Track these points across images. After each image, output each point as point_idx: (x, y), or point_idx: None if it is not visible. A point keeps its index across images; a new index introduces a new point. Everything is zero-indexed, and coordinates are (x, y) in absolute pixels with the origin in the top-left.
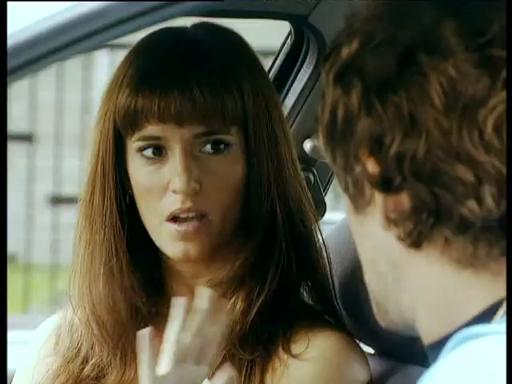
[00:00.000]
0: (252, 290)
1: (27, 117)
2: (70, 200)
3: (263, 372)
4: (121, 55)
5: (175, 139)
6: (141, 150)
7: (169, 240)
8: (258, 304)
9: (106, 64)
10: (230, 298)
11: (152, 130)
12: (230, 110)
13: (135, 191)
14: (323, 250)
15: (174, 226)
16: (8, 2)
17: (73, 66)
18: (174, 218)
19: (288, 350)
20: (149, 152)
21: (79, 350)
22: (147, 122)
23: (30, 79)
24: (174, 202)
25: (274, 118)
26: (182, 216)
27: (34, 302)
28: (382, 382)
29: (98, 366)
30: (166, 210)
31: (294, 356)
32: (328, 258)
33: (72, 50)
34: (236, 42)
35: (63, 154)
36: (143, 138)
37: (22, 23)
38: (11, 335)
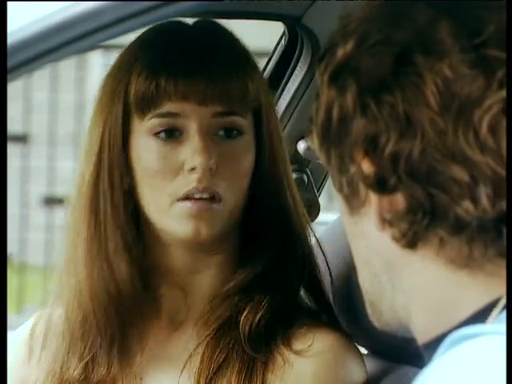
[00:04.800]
0: (273, 296)
1: (21, 117)
2: (65, 201)
3: (265, 370)
4: (115, 56)
5: (194, 118)
6: (155, 132)
7: (180, 219)
8: (272, 309)
9: (100, 65)
10: (247, 304)
11: (171, 107)
12: (250, 93)
13: (142, 174)
14: (315, 250)
15: (187, 204)
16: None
17: (67, 66)
18: (187, 198)
19: (289, 346)
20: (163, 134)
21: (64, 348)
22: (168, 100)
23: (25, 80)
24: (189, 182)
25: (275, 113)
26: (196, 196)
27: (29, 303)
28: (376, 383)
29: (84, 363)
30: (179, 190)
31: (296, 352)
32: (325, 257)
33: (67, 50)
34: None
35: (57, 154)
36: (160, 115)
37: (18, 24)
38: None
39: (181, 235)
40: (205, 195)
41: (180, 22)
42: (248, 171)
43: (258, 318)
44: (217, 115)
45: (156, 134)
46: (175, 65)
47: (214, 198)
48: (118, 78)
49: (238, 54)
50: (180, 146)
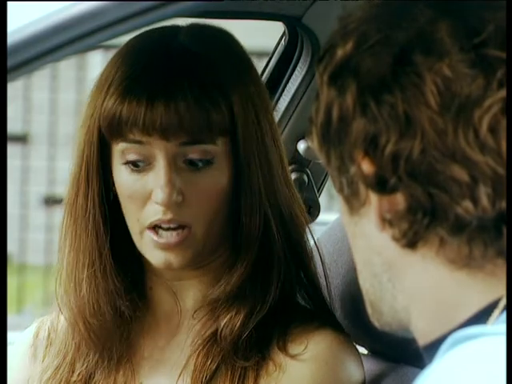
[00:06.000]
0: (255, 304)
1: (21, 117)
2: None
3: (257, 377)
4: None
5: (159, 148)
6: (126, 158)
7: (150, 248)
8: (259, 316)
9: (100, 65)
10: (229, 312)
11: (136, 137)
12: (216, 122)
13: (119, 195)
14: (315, 251)
15: (154, 237)
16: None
17: (67, 66)
18: (154, 228)
19: (284, 350)
20: (131, 164)
21: (66, 353)
22: (131, 133)
23: (25, 80)
24: (155, 213)
25: (263, 125)
26: (164, 226)
27: (29, 303)
28: (376, 383)
29: (86, 368)
30: (147, 218)
31: (291, 356)
32: (321, 258)
33: (67, 50)
34: (227, 46)
35: (57, 154)
36: (127, 141)
37: (18, 24)
38: None
39: (153, 263)
40: (172, 225)
41: (165, 32)
42: (221, 194)
43: (238, 328)
44: (183, 144)
45: (127, 160)
46: (138, 94)
47: (183, 227)
48: (98, 91)
49: (205, 80)
50: (149, 174)
